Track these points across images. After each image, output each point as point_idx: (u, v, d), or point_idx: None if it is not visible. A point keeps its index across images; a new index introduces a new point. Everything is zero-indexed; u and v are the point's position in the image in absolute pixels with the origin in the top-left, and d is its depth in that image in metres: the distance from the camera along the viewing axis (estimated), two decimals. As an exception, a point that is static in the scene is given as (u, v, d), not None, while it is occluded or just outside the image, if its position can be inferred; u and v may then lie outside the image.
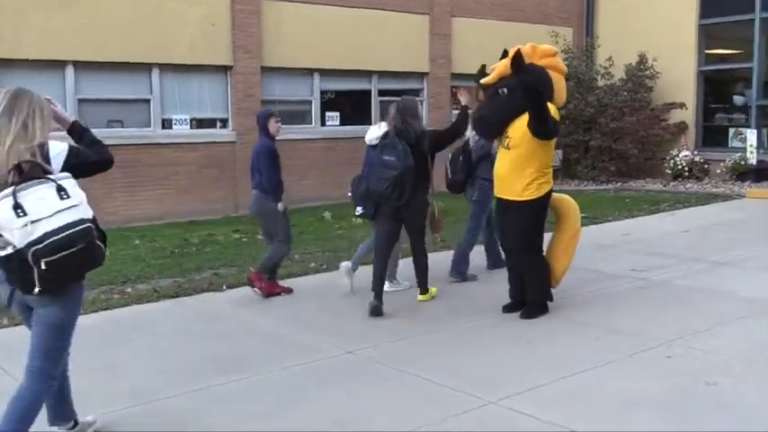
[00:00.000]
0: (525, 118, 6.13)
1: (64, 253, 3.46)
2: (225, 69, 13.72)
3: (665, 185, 15.73)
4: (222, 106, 13.82)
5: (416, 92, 15.93)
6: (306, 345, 5.92)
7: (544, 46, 6.58)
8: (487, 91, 6.55)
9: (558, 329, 6.15)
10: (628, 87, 16.64)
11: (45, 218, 3.46)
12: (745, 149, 15.49)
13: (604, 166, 16.43)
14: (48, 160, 3.65)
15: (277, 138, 7.47)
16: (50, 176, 3.57)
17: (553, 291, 6.71)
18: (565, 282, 6.94)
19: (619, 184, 16.21)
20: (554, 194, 6.67)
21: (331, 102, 15.18)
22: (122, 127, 12.85)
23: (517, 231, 6.40)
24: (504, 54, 6.41)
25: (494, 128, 6.47)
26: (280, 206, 7.25)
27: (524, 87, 6.04)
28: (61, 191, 3.53)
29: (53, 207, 3.49)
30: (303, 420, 4.48)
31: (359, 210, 7.23)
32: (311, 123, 14.87)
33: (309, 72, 14.72)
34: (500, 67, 6.37)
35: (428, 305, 7.01)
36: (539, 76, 6.25)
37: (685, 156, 16.12)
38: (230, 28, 13.57)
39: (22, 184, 3.48)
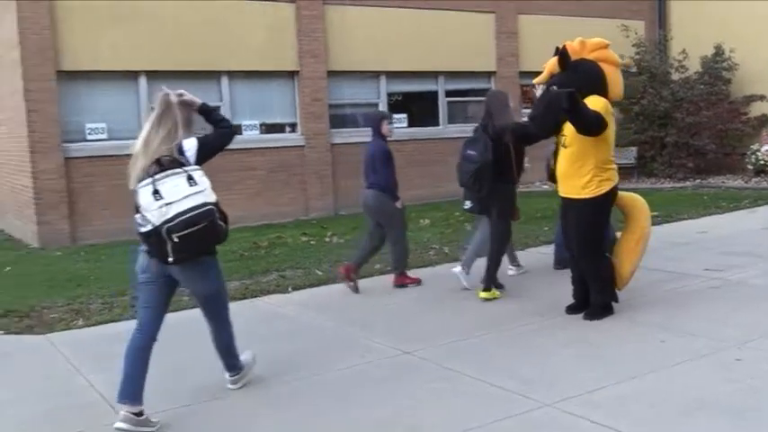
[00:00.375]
0: None
1: (191, 229, 4.26)
2: (292, 75, 13.91)
3: (746, 182, 15.22)
4: (290, 111, 14.02)
5: (484, 92, 15.80)
6: (363, 345, 5.95)
7: (594, 39, 6.42)
8: (541, 89, 6.49)
9: (622, 331, 6.00)
10: (704, 80, 16.19)
11: (176, 201, 4.28)
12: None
13: (681, 163, 16.01)
14: (182, 154, 4.48)
15: (389, 138, 7.98)
16: (183, 168, 4.38)
17: (620, 292, 6.56)
18: (633, 282, 6.76)
19: (697, 181, 15.76)
20: (621, 193, 6.51)
21: (398, 104, 15.22)
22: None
23: (577, 230, 6.29)
24: (556, 51, 6.33)
25: (544, 127, 6.36)
26: (398, 204, 7.67)
27: (547, 104, 5.97)
28: (190, 179, 4.36)
29: (183, 192, 4.31)
30: (347, 422, 4.49)
31: (467, 204, 7.43)
32: (379, 126, 14.92)
33: (375, 75, 14.80)
34: (549, 66, 6.31)
35: (492, 305, 6.95)
36: (588, 71, 6.14)
37: (767, 150, 15.55)
38: (296, 34, 13.75)
39: (160, 174, 4.33)
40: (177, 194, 4.29)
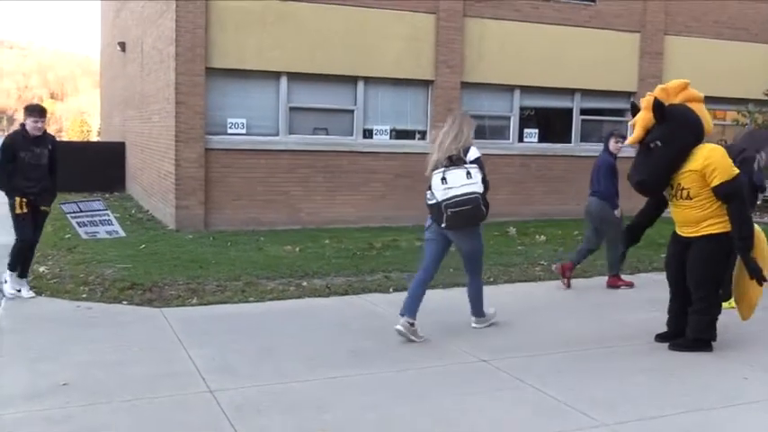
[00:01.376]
0: (694, 161, 6.03)
1: (460, 208, 6.13)
2: (426, 84, 14.27)
3: None
4: (422, 119, 14.39)
5: (621, 112, 15.62)
6: (445, 349, 6.20)
7: (674, 81, 6.36)
8: (638, 148, 6.35)
9: (706, 364, 5.96)
10: None
11: (455, 187, 6.14)
12: None
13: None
14: (466, 155, 6.23)
15: (617, 154, 8.76)
16: (466, 165, 6.18)
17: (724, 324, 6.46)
18: (735, 317, 6.66)
19: None
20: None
21: (530, 118, 15.30)
22: (327, 135, 13.78)
23: (701, 265, 6.24)
24: (633, 107, 6.36)
25: (659, 187, 6.28)
26: (617, 212, 8.60)
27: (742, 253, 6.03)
28: (468, 174, 6.16)
29: (461, 182, 6.14)
30: (406, 415, 4.75)
31: None
32: (509, 139, 15.07)
33: (510, 88, 14.94)
34: (642, 121, 6.21)
35: (575, 325, 7.04)
36: (685, 116, 6.12)
37: None
38: (434, 44, 14.10)
39: (450, 167, 6.18)
40: (457, 183, 6.13)
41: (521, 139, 15.14)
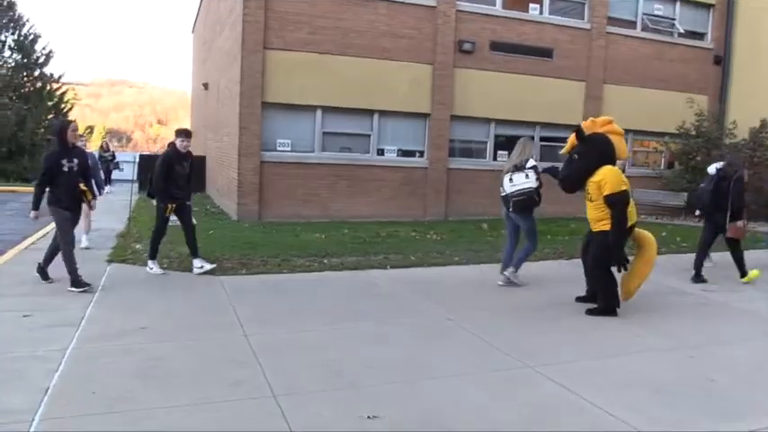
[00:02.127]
0: (597, 175, 6.18)
1: (518, 198, 7.23)
2: (425, 116, 14.31)
3: (773, 228, 14.14)
4: (421, 141, 14.41)
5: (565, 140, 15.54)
6: (422, 310, 6.29)
7: (601, 117, 6.65)
8: (566, 157, 6.62)
9: (610, 324, 6.02)
10: (749, 146, 15.14)
11: (518, 184, 7.22)
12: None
13: (723, 209, 15.05)
14: (526, 164, 7.26)
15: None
16: (525, 170, 7.23)
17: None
18: (641, 291, 6.72)
19: (734, 223, 14.75)
20: (637, 229, 6.52)
21: (502, 143, 15.22)
22: (350, 152, 13.87)
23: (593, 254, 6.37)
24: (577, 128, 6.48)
25: (575, 185, 6.49)
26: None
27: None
28: (527, 176, 7.23)
29: (521, 181, 7.22)
30: (388, 355, 4.86)
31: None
32: (486, 158, 15.05)
33: (487, 120, 14.92)
34: (571, 139, 6.49)
35: (522, 296, 7.10)
36: (600, 142, 6.30)
37: (796, 206, 14.36)
38: (431, 87, 14.14)
39: (515, 171, 7.29)
40: (519, 182, 7.23)
41: (495, 158, 15.12)
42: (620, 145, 6.42)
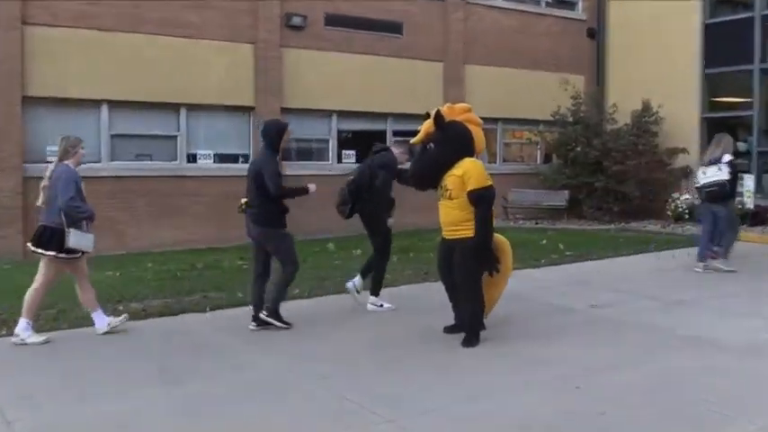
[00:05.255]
0: (458, 168, 6.47)
1: (710, 189, 9.85)
2: (248, 110, 14.18)
3: (663, 227, 15.60)
4: (245, 143, 14.26)
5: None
6: (254, 363, 6.15)
7: (460, 104, 7.03)
8: (418, 148, 6.93)
9: (486, 356, 6.24)
10: (633, 132, 16.63)
11: (710, 177, 9.84)
12: (742, 194, 15.27)
13: (608, 207, 16.42)
14: (721, 159, 9.90)
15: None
16: (719, 164, 9.80)
17: (499, 323, 6.81)
18: (517, 313, 7.05)
19: (621, 224, 16.12)
20: (495, 235, 6.85)
21: (348, 141, 15.52)
22: (150, 160, 13.38)
23: (464, 264, 6.59)
24: (427, 116, 6.73)
25: (429, 180, 6.77)
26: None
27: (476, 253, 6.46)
28: (719, 170, 9.78)
29: (713, 173, 9.82)
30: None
31: None
32: (328, 160, 15.21)
33: (327, 113, 15.10)
34: (425, 127, 6.72)
35: (378, 331, 7.18)
36: (459, 131, 6.64)
37: (686, 199, 15.96)
38: (254, 71, 14.05)
39: (709, 165, 9.95)
40: (711, 174, 9.83)
41: (339, 160, 15.32)
42: (479, 136, 6.81)
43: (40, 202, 7.02)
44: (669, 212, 16.07)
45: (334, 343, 6.79)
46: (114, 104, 12.88)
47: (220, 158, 14.06)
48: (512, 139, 18.25)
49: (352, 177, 8.16)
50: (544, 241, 12.95)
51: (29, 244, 7.10)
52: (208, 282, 9.65)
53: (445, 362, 6.14)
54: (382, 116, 15.80)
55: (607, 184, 16.35)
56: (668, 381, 5.58)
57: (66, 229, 6.75)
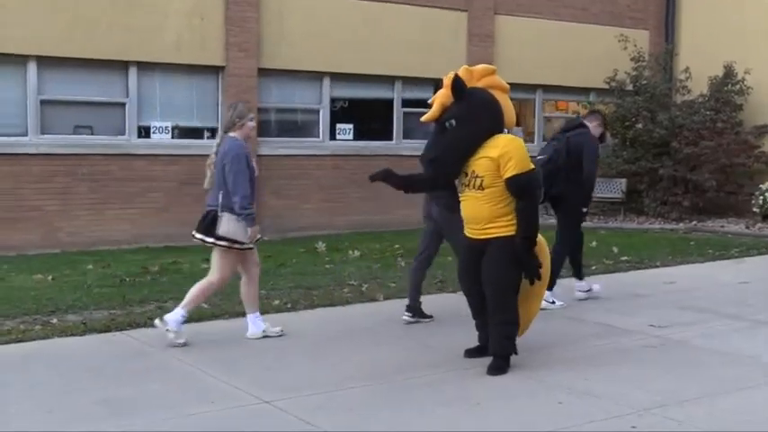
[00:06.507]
0: (491, 148, 6.46)
1: None
2: (216, 70, 14.29)
3: (748, 227, 15.69)
4: (211, 113, 14.37)
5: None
6: (222, 390, 6.26)
7: (480, 66, 6.93)
8: (434, 127, 6.86)
9: (519, 388, 6.35)
10: (710, 105, 16.69)
11: None
12: None
13: (676, 201, 16.49)
14: None
15: None
16: None
17: (540, 347, 6.93)
18: (562, 336, 7.12)
19: (693, 223, 16.22)
20: None
21: (343, 111, 15.60)
22: (91, 134, 13.51)
23: (497, 270, 6.64)
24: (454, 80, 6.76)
25: (451, 168, 6.68)
26: None
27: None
28: None
29: None
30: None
31: None
32: (319, 137, 15.32)
33: (318, 75, 15.18)
34: (440, 98, 6.66)
35: (380, 354, 7.30)
36: (484, 100, 6.60)
37: (778, 192, 16.05)
38: (223, 20, 14.14)
39: None
40: None
41: (333, 137, 15.43)
42: (508, 107, 6.79)
43: (206, 184, 7.59)
44: (756, 209, 16.14)
45: (329, 368, 6.90)
46: (45, 62, 12.98)
47: (180, 133, 14.17)
48: (554, 112, 18.35)
49: (547, 156, 8.91)
50: (594, 243, 13.03)
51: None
52: (164, 289, 9.73)
53: (465, 394, 6.25)
54: (388, 80, 15.89)
55: (675, 172, 16.43)
56: (753, 421, 5.68)
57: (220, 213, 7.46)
